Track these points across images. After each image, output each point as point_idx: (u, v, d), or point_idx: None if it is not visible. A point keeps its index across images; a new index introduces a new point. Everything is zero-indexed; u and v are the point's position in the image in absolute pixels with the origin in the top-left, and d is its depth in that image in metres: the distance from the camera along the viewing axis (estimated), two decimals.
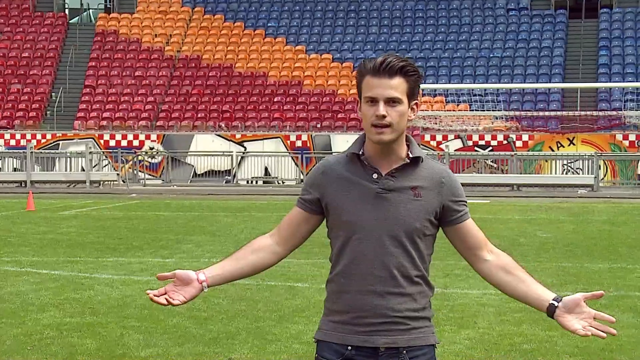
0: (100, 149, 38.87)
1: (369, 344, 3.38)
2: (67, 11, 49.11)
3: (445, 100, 40.10)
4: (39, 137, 39.82)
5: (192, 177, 37.82)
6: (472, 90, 39.16)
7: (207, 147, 38.42)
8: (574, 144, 36.98)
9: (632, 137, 36.68)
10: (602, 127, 37.40)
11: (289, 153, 37.82)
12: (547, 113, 38.37)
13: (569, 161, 35.84)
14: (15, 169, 37.68)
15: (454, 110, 38.95)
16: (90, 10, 50.39)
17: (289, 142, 38.48)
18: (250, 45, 45.02)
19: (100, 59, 44.67)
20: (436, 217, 3.44)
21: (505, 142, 37.45)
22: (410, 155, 3.41)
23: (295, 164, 37.19)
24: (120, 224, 19.76)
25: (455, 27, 45.57)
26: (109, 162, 38.15)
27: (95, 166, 37.37)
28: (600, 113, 37.31)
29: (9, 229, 18.43)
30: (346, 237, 3.41)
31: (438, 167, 3.48)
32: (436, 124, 37.37)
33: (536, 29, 44.69)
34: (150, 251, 14.92)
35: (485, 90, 39.12)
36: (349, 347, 3.40)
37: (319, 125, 39.58)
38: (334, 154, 3.60)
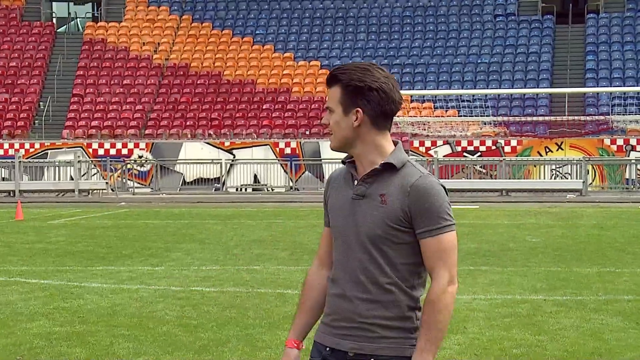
0: (89, 158, 38.80)
1: (340, 347, 3.45)
2: (54, 20, 49.07)
3: (434, 106, 40.17)
4: (27, 146, 39.73)
5: (181, 185, 37.77)
6: (461, 96, 39.26)
7: (196, 155, 38.39)
8: (562, 149, 37.08)
9: (619, 142, 36.79)
10: (590, 132, 37.52)
11: (278, 160, 37.82)
12: (535, 118, 38.47)
13: (557, 166, 35.93)
14: (3, 179, 37.59)
15: (442, 116, 39.01)
16: (78, 19, 50.38)
17: (277, 149, 38.48)
18: (239, 53, 45.03)
19: (88, 67, 44.61)
20: (403, 224, 3.36)
21: (493, 147, 37.54)
22: (383, 162, 3.40)
23: (285, 171, 37.19)
24: (110, 232, 19.72)
25: (443, 33, 45.67)
26: (98, 171, 38.07)
27: (84, 175, 37.30)
28: (588, 118, 37.44)
29: None
30: (335, 243, 3.52)
31: (414, 174, 3.40)
32: (425, 130, 37.45)
33: (523, 34, 44.83)
34: (139, 259, 14.89)
35: (473, 95, 39.22)
36: (327, 348, 3.48)
37: (307, 132, 39.60)
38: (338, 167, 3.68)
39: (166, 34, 46.51)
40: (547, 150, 37.24)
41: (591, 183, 35.07)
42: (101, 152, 39.22)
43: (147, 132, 40.71)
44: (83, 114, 42.13)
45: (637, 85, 39.74)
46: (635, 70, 41.77)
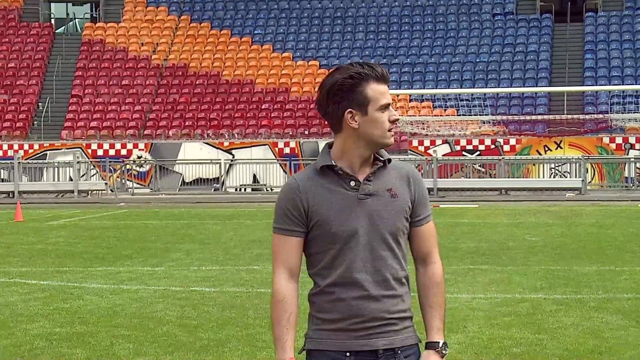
0: (88, 159, 38.79)
1: (368, 347, 3.42)
2: (53, 21, 49.06)
3: (433, 105, 40.18)
4: (26, 147, 39.73)
5: (181, 185, 37.77)
6: (459, 95, 39.26)
7: (195, 155, 38.39)
8: (561, 148, 37.09)
9: (619, 140, 36.81)
10: (589, 131, 37.52)
11: (277, 160, 37.82)
12: (534, 117, 38.47)
13: (556, 165, 35.93)
14: (2, 180, 37.57)
15: (441, 115, 39.02)
16: (77, 20, 50.36)
17: (277, 149, 38.48)
18: (237, 53, 45.02)
19: (87, 68, 44.61)
20: (409, 214, 3.51)
21: (492, 146, 37.54)
22: (382, 158, 3.48)
23: (284, 170, 37.19)
24: (109, 233, 19.73)
25: (442, 32, 45.67)
26: (97, 172, 38.07)
27: (83, 176, 37.29)
28: (587, 116, 37.46)
29: None
30: (338, 248, 3.43)
31: (403, 165, 3.56)
32: (424, 129, 37.45)
33: (522, 33, 44.83)
34: (139, 260, 14.90)
35: (472, 95, 39.22)
36: (348, 354, 3.43)
37: (306, 132, 39.61)
38: (299, 172, 3.56)
39: (165, 35, 46.51)
40: (546, 149, 37.25)
41: (590, 181, 35.08)
42: (100, 152, 39.22)
43: (146, 132, 40.71)
44: (82, 114, 42.13)
45: (636, 84, 39.77)
46: (633, 68, 41.79)
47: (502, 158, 35.50)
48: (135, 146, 39.34)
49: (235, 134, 39.92)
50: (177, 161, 38.42)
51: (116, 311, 10.23)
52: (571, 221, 21.59)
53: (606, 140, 36.89)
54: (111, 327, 9.31)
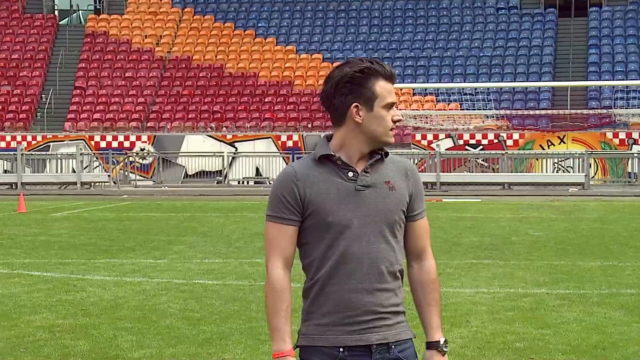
0: (91, 151, 38.80)
1: (362, 342, 3.39)
2: (56, 12, 49.02)
3: (436, 99, 40.13)
4: (29, 138, 39.73)
5: (183, 177, 37.78)
6: (463, 89, 39.20)
7: (198, 148, 38.38)
8: (564, 143, 37.05)
9: (622, 135, 36.76)
10: (592, 126, 37.48)
11: (280, 153, 37.81)
12: (537, 112, 38.44)
13: (559, 159, 35.91)
14: (5, 171, 37.59)
15: (444, 110, 38.99)
16: (80, 12, 50.30)
17: (280, 142, 38.47)
18: (241, 46, 44.99)
19: (91, 60, 44.58)
20: (406, 207, 3.50)
21: (496, 141, 37.50)
22: (379, 152, 3.48)
23: (286, 163, 37.13)
24: (112, 225, 19.73)
25: (446, 26, 45.62)
26: (100, 164, 38.08)
27: (86, 167, 37.30)
28: (591, 111, 37.41)
29: (0, 231, 18.40)
30: (331, 238, 3.39)
31: (400, 159, 3.57)
32: (427, 123, 37.41)
33: (526, 27, 44.77)
34: (142, 252, 14.91)
35: (475, 89, 39.16)
36: (341, 349, 3.39)
37: (310, 125, 39.59)
38: (296, 161, 3.55)
39: (168, 27, 46.48)
40: (550, 143, 37.21)
41: (593, 176, 35.05)
42: (103, 144, 39.22)
43: (149, 124, 40.71)
44: (85, 106, 42.13)
45: None
46: (638, 63, 41.70)
47: (505, 153, 35.48)
48: (138, 138, 39.33)
49: (239, 127, 39.89)
50: (180, 154, 38.42)
51: (119, 303, 10.24)
52: (574, 216, 21.58)
53: (609, 135, 36.84)
54: (114, 319, 9.32)
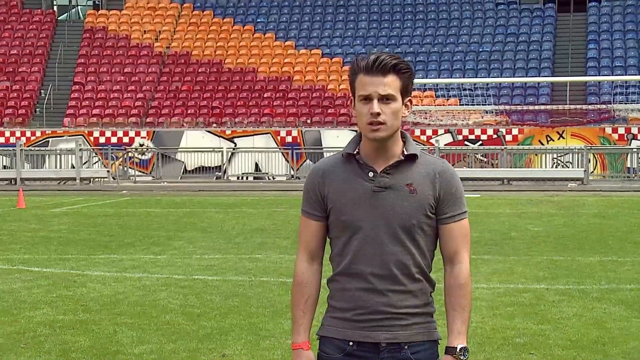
0: (90, 146, 38.80)
1: (370, 340, 3.39)
2: (55, 8, 49.01)
3: (435, 94, 40.14)
4: (28, 134, 39.72)
5: (183, 173, 37.79)
6: (462, 84, 39.22)
7: (197, 144, 38.38)
8: (563, 138, 37.06)
9: (621, 130, 36.77)
10: (591, 121, 37.48)
11: (279, 149, 37.81)
12: (536, 107, 38.43)
13: (558, 155, 35.92)
14: (5, 167, 37.60)
15: (443, 105, 38.99)
16: (79, 7, 50.30)
17: (279, 137, 38.46)
18: (240, 41, 44.98)
19: (89, 55, 44.56)
20: (432, 212, 3.42)
21: (495, 136, 37.51)
22: (406, 152, 3.42)
23: (286, 159, 37.18)
24: (112, 221, 19.74)
25: (445, 21, 45.61)
26: (99, 159, 38.08)
27: (85, 163, 37.30)
28: (590, 107, 37.40)
29: None
30: (347, 237, 3.41)
31: (435, 161, 3.47)
32: (426, 118, 37.43)
33: (525, 23, 44.77)
34: (142, 248, 14.91)
35: (474, 84, 39.18)
36: (351, 343, 3.41)
37: (309, 121, 39.57)
38: (327, 155, 3.55)
39: (167, 22, 46.45)
40: (549, 139, 37.22)
41: (592, 172, 35.07)
42: (102, 140, 39.22)
43: (148, 120, 40.70)
44: (84, 102, 42.11)
45: (639, 74, 39.71)
46: (637, 58, 41.71)
47: (505, 148, 35.49)
48: (138, 134, 39.33)
49: (238, 123, 39.89)
50: (179, 149, 38.42)
51: (119, 299, 10.24)
52: (573, 211, 21.59)
53: (609, 130, 36.85)
54: (114, 315, 9.32)
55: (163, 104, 41.56)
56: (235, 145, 38.34)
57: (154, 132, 39.32)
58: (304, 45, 44.60)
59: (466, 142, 37.29)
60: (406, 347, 3.40)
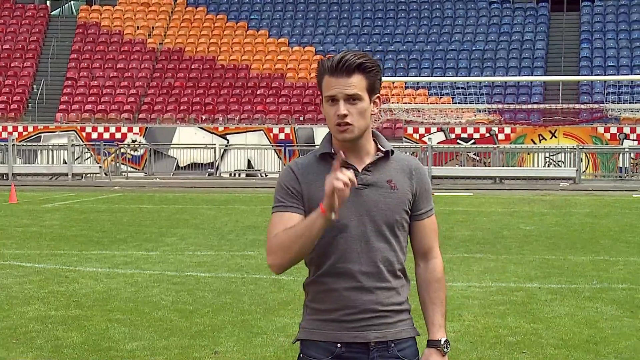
0: (83, 142, 38.72)
1: (359, 340, 3.37)
2: (48, 3, 48.89)
3: (428, 93, 40.17)
4: (20, 129, 39.64)
5: (175, 169, 37.75)
6: (455, 83, 39.26)
7: (190, 140, 38.34)
8: (555, 137, 37.11)
9: (613, 130, 36.84)
10: (583, 120, 37.54)
11: (272, 146, 37.80)
12: (529, 106, 38.48)
13: (551, 154, 35.97)
14: None
15: (436, 103, 39.01)
16: (72, 2, 50.19)
17: (271, 134, 38.45)
18: (233, 38, 44.94)
19: (82, 51, 44.48)
20: (410, 207, 3.44)
21: (487, 134, 37.55)
22: (383, 149, 3.41)
23: (278, 156, 37.17)
24: (104, 216, 19.71)
25: (438, 20, 45.63)
26: (91, 155, 38.02)
27: (77, 159, 37.24)
28: (582, 106, 37.45)
29: None
30: (331, 236, 3.35)
31: (407, 157, 3.50)
32: (419, 116, 37.42)
33: (518, 21, 44.80)
34: (134, 244, 14.89)
35: (467, 83, 39.22)
36: (339, 345, 3.37)
37: (302, 118, 39.56)
38: (300, 157, 3.50)
39: (160, 18, 46.38)
40: (541, 138, 37.28)
41: (584, 171, 35.13)
42: (95, 136, 39.15)
43: (140, 116, 40.64)
44: (77, 97, 42.03)
45: (631, 74, 39.79)
46: (629, 58, 41.78)
47: (497, 147, 35.53)
48: (130, 130, 39.28)
49: (230, 119, 39.86)
50: (172, 145, 38.37)
51: (111, 295, 10.23)
52: (565, 211, 21.62)
53: (601, 130, 36.91)
54: (106, 311, 9.31)
55: (156, 100, 41.51)
56: (228, 142, 38.31)
57: (147, 128, 39.27)
58: (297, 42, 44.59)
59: (459, 141, 37.32)
60: (393, 345, 3.40)
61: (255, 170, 37.51)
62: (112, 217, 19.52)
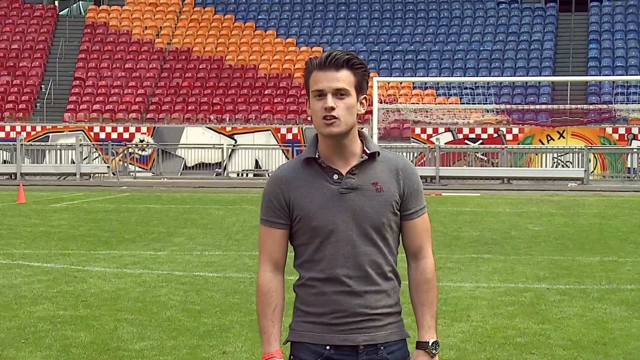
0: (91, 142, 38.77)
1: (348, 343, 3.37)
2: (56, 3, 48.96)
3: (436, 93, 40.14)
4: (28, 129, 39.70)
5: (183, 169, 37.77)
6: (463, 83, 39.21)
7: (198, 140, 38.36)
8: (564, 137, 37.05)
9: (621, 131, 36.77)
10: (592, 121, 37.48)
11: (280, 146, 37.80)
12: (537, 106, 38.42)
13: (559, 154, 35.91)
14: (5, 161, 37.58)
15: (444, 104, 38.98)
16: (80, 2, 50.26)
17: (279, 134, 38.45)
18: (241, 38, 44.95)
19: (90, 51, 44.54)
20: (398, 208, 3.41)
21: (495, 135, 37.50)
22: (368, 151, 3.39)
23: (286, 156, 37.17)
24: (112, 216, 19.73)
25: (446, 20, 45.59)
26: (99, 155, 38.07)
27: (85, 159, 37.29)
28: (590, 106, 37.39)
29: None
30: (318, 242, 3.37)
31: (395, 157, 3.45)
32: (426, 117, 37.39)
33: (526, 22, 44.74)
34: (142, 244, 14.91)
35: (475, 83, 39.17)
36: (328, 347, 3.38)
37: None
38: (286, 162, 3.52)
39: (168, 18, 46.42)
40: (549, 138, 37.22)
41: (593, 172, 35.06)
42: (103, 135, 39.20)
43: (148, 116, 40.68)
44: (85, 97, 42.09)
45: None
46: (638, 58, 41.69)
47: (505, 147, 35.49)
48: (138, 130, 39.32)
49: (238, 119, 39.88)
50: (180, 145, 38.40)
51: (120, 295, 10.24)
52: (573, 211, 21.58)
53: (609, 130, 36.84)
54: (115, 311, 9.32)
55: (163, 100, 41.55)
56: (236, 142, 38.33)
57: (154, 128, 39.31)
58: (305, 42, 44.58)
59: (466, 141, 37.28)
60: (382, 347, 3.40)
61: (263, 170, 37.52)
62: (120, 217, 19.54)
